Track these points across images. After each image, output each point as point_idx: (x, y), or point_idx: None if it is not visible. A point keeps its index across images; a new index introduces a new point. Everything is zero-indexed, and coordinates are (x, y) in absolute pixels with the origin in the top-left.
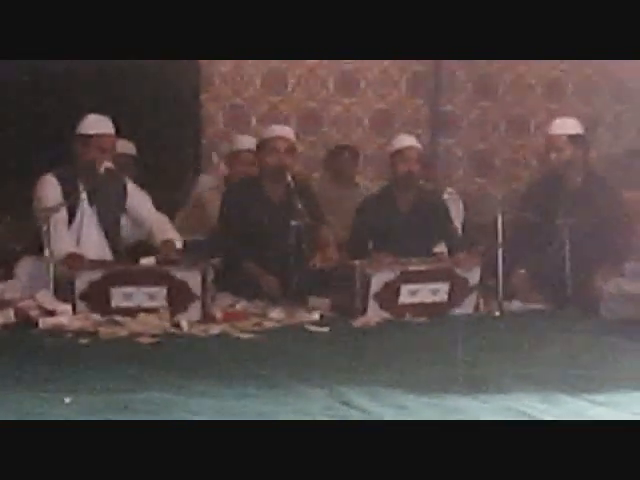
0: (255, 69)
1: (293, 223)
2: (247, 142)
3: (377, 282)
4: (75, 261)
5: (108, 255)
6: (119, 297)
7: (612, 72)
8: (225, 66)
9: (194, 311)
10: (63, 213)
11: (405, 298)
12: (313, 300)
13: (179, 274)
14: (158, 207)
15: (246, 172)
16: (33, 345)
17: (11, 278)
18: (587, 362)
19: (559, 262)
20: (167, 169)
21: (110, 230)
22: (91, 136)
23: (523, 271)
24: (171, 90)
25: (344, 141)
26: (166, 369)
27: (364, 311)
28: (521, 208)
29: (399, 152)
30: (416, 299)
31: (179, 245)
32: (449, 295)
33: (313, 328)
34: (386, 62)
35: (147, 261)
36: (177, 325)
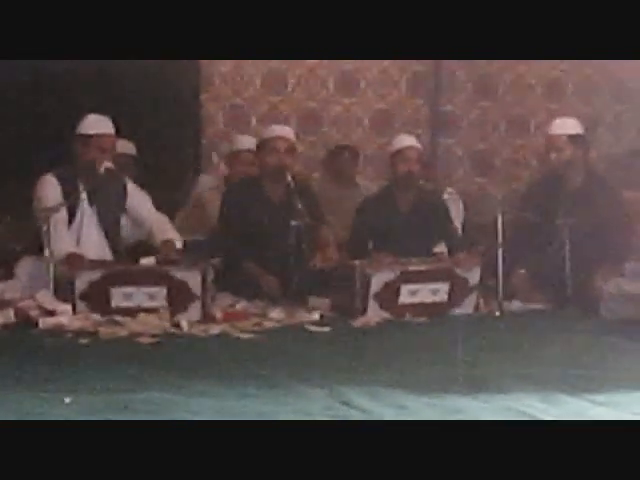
0: (255, 69)
1: (293, 223)
2: (247, 142)
3: (377, 282)
4: (75, 261)
5: (108, 255)
6: (119, 297)
7: (612, 72)
8: (225, 66)
9: (194, 311)
10: (63, 213)
11: (405, 298)
12: (313, 300)
13: (179, 274)
14: (158, 207)
15: (246, 172)
16: (33, 345)
17: (11, 278)
18: (587, 362)
19: (559, 262)
20: (167, 169)
21: (110, 230)
22: (91, 136)
23: (523, 271)
24: (171, 90)
25: (344, 141)
26: (166, 369)
27: (364, 311)
28: (521, 208)
29: (399, 152)
30: (416, 299)
31: (179, 245)
32: (449, 295)
33: (313, 328)
34: (386, 62)
35: (147, 261)
36: (177, 325)
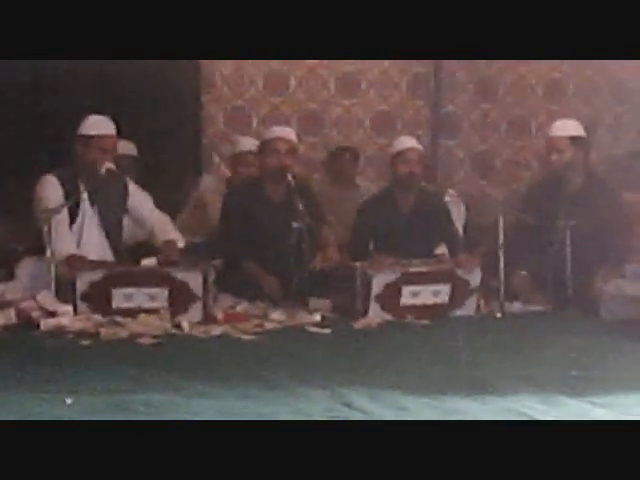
0: (256, 70)
1: (294, 224)
2: (249, 144)
3: (378, 283)
4: (76, 262)
5: (109, 256)
6: (120, 298)
7: (612, 73)
8: (226, 67)
9: (195, 312)
10: (64, 214)
11: (406, 299)
12: (314, 301)
13: (180, 275)
14: (159, 208)
15: (248, 174)
16: (34, 346)
17: (12, 279)
18: (587, 363)
19: (560, 263)
20: (168, 170)
21: (111, 231)
22: (92, 137)
23: (524, 272)
24: (172, 91)
25: (345, 142)
26: (167, 370)
27: (365, 312)
28: (522, 209)
29: (400, 153)
30: (417, 300)
31: (180, 245)
32: (450, 296)
33: (314, 329)
34: (387, 63)
35: (148, 262)
36: (178, 326)
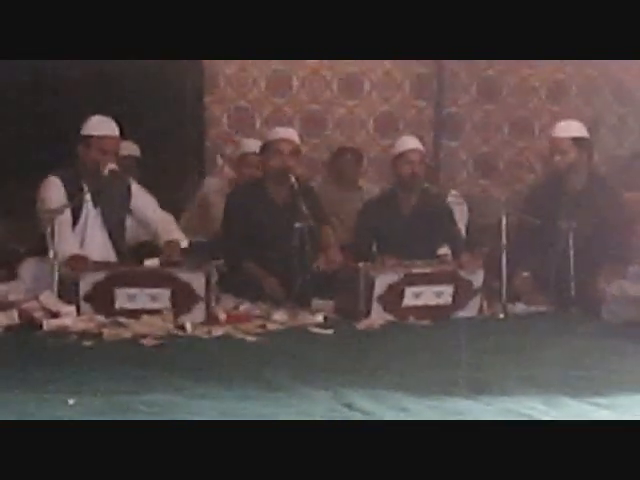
0: (259, 71)
1: (297, 225)
2: (254, 145)
3: (381, 284)
4: (79, 262)
5: (112, 256)
6: (123, 298)
7: (615, 74)
8: (229, 68)
9: (198, 312)
10: (67, 214)
11: (409, 300)
12: (316, 302)
13: (183, 275)
14: (162, 209)
15: (252, 175)
16: (37, 347)
17: (15, 279)
18: (590, 364)
19: (562, 264)
20: (171, 171)
21: (114, 231)
22: (94, 138)
23: (527, 273)
24: (175, 92)
25: (348, 143)
26: (169, 371)
27: (368, 313)
28: (524, 210)
29: (402, 155)
30: (420, 301)
31: (184, 244)
32: (453, 297)
33: (316, 330)
34: (389, 64)
35: (151, 262)
36: (181, 327)
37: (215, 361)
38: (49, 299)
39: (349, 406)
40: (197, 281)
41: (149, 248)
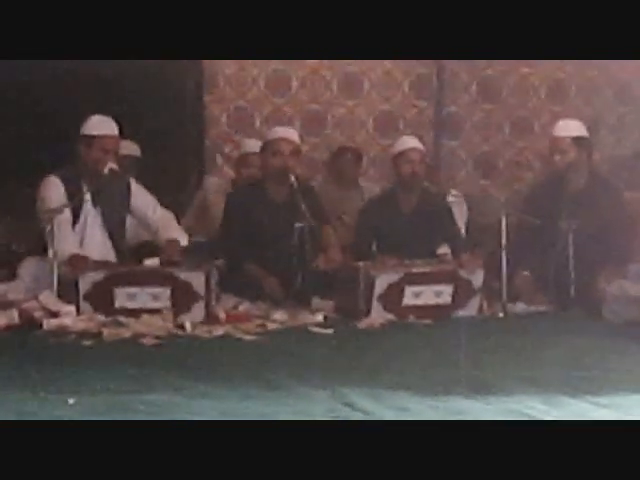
0: (259, 71)
1: (297, 225)
2: (255, 145)
3: (381, 284)
4: (79, 262)
5: (112, 256)
6: (123, 297)
7: (615, 74)
8: (229, 68)
9: (198, 312)
10: (67, 214)
11: (409, 300)
12: (316, 302)
13: (183, 275)
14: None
15: (252, 175)
16: (37, 346)
17: (15, 279)
18: (590, 364)
19: (562, 264)
20: (170, 171)
21: (114, 231)
22: (94, 137)
23: (527, 273)
24: (174, 91)
25: (348, 143)
26: (169, 370)
27: (368, 313)
28: (524, 210)
29: (402, 154)
30: (420, 301)
31: (183, 243)
32: (453, 297)
33: (316, 330)
34: (389, 64)
35: (151, 262)
36: (181, 326)
37: (215, 360)
38: (49, 299)
39: (349, 405)
40: (197, 280)
41: (149, 248)
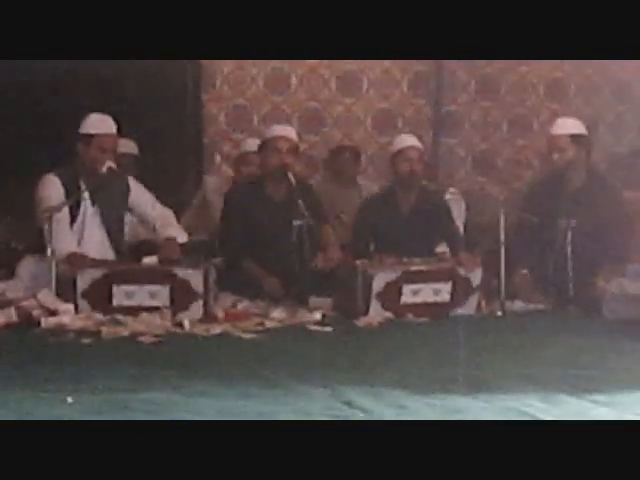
0: (257, 69)
1: (296, 223)
2: (255, 144)
3: (379, 282)
4: (77, 260)
5: (110, 255)
6: (121, 295)
7: (613, 72)
8: (227, 66)
9: (196, 310)
10: (65, 212)
11: (407, 298)
12: (315, 300)
13: (181, 273)
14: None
15: (251, 173)
16: (35, 345)
17: (13, 278)
18: (589, 362)
19: (561, 262)
20: (169, 169)
21: (112, 229)
22: (92, 136)
23: (525, 271)
24: (172, 90)
25: (346, 141)
26: (168, 369)
27: (366, 311)
28: (523, 208)
29: (400, 152)
30: (418, 299)
31: (182, 240)
32: (451, 295)
33: (315, 328)
34: (388, 62)
35: (149, 260)
36: (179, 324)
37: (213, 359)
38: (47, 297)
39: (348, 404)
40: (195, 278)
41: (148, 246)
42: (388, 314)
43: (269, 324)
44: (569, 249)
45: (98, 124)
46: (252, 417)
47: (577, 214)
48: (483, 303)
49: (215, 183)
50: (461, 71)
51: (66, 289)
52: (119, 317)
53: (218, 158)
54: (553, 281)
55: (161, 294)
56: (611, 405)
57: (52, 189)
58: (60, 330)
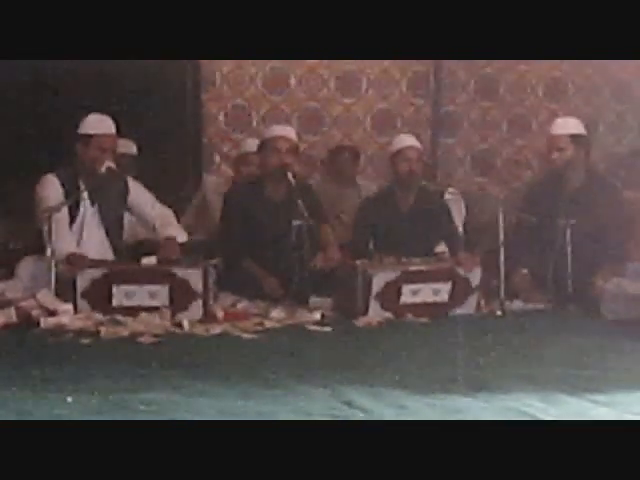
0: (256, 69)
1: (295, 223)
2: (254, 144)
3: (378, 282)
4: (76, 260)
5: (110, 255)
6: (121, 295)
7: (613, 72)
8: (226, 66)
9: (195, 310)
10: (64, 212)
11: (407, 298)
12: (314, 300)
13: (181, 272)
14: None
15: (251, 173)
16: (35, 345)
17: (12, 278)
18: (588, 362)
19: (560, 262)
20: (168, 169)
21: (112, 229)
22: (91, 136)
23: (524, 271)
24: (172, 90)
25: (345, 141)
26: (167, 369)
27: (365, 311)
28: (522, 208)
29: (399, 152)
30: (417, 299)
31: (181, 239)
32: (450, 295)
33: (314, 328)
34: (387, 62)
35: (148, 260)
36: (178, 324)
37: (213, 359)
38: (46, 297)
39: (348, 404)
40: (195, 278)
41: (147, 246)
42: (387, 314)
43: (269, 324)
44: (568, 249)
45: (97, 124)
46: (252, 417)
47: (576, 214)
48: (482, 303)
49: (215, 183)
50: (460, 71)
51: (65, 289)
52: (119, 317)
53: (218, 158)
54: (553, 280)
55: (160, 294)
56: (611, 405)
57: (51, 189)
58: (59, 330)
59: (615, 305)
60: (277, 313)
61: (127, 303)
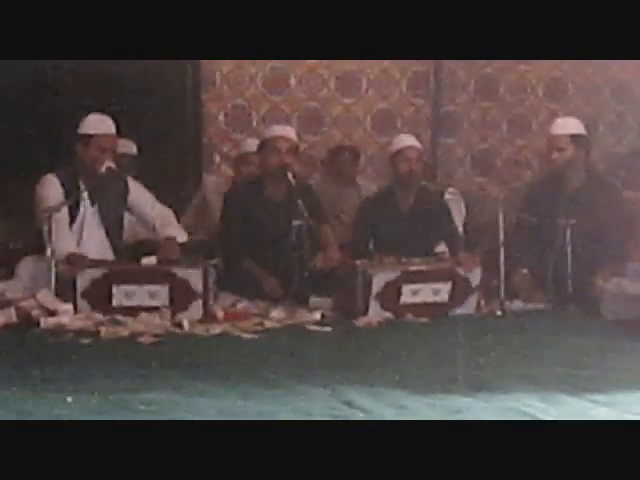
0: (256, 69)
1: (295, 223)
2: (254, 144)
3: (378, 282)
4: (76, 260)
5: (110, 255)
6: (121, 295)
7: (613, 72)
8: (226, 66)
9: (195, 310)
10: (64, 213)
11: (406, 298)
12: (314, 300)
13: (181, 272)
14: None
15: (251, 173)
16: (35, 345)
17: (12, 278)
18: (588, 362)
19: (560, 262)
20: (168, 169)
21: (112, 229)
22: (91, 136)
23: (524, 271)
24: (172, 90)
25: (345, 141)
26: (167, 369)
27: (365, 311)
28: (522, 208)
29: (399, 152)
30: (417, 299)
31: (181, 239)
32: (450, 295)
33: (314, 328)
34: (387, 62)
35: (148, 260)
36: (178, 324)
37: (213, 359)
38: (46, 297)
39: (348, 404)
40: (195, 278)
41: (147, 246)
42: (387, 314)
43: (269, 324)
44: (568, 249)
45: (97, 124)
46: (252, 417)
47: (576, 214)
48: (482, 303)
49: (215, 183)
50: (460, 71)
51: (65, 289)
52: (119, 317)
53: (218, 158)
54: (553, 280)
55: (160, 294)
56: (611, 405)
57: (51, 189)
58: (59, 330)
59: (615, 305)
60: (277, 313)
61: (127, 303)
